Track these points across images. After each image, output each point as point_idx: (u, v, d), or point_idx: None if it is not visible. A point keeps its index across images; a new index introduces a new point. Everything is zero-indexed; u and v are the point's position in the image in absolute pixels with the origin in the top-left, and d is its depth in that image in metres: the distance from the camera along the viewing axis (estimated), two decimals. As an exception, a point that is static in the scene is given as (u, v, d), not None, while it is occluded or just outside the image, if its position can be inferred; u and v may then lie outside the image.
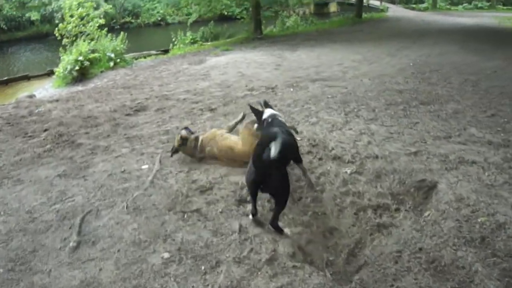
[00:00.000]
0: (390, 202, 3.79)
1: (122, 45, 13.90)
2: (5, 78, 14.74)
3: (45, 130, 6.32)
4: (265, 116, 4.23)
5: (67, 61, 11.73)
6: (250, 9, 20.58)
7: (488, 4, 42.00)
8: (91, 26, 13.97)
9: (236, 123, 5.23)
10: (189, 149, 4.82)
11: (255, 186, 3.29)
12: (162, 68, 12.00)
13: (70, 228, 3.54)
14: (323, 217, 3.65)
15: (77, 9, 13.72)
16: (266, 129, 4.01)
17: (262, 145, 3.07)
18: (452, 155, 4.61)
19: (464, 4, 41.90)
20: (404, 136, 5.26)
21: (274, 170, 3.16)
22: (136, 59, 14.73)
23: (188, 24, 20.12)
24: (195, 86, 8.90)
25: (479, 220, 3.35)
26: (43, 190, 4.30)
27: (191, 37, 18.64)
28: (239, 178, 4.22)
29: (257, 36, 18.56)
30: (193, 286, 2.79)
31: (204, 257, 3.05)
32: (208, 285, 2.80)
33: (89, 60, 11.96)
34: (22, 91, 12.18)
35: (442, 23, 23.04)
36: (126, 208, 3.79)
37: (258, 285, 2.77)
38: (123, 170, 4.66)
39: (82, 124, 6.55)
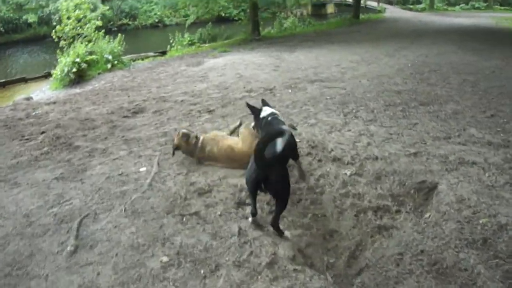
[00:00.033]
0: (390, 204, 3.77)
1: (119, 47, 13.86)
2: (3, 80, 14.67)
3: (42, 133, 6.27)
4: (263, 114, 4.22)
5: (64, 63, 11.68)
6: (248, 10, 20.56)
7: (485, 4, 42.07)
8: (88, 28, 13.93)
9: (234, 129, 5.24)
10: (190, 147, 4.77)
11: (256, 184, 3.24)
12: (160, 70, 11.96)
13: (67, 232, 3.50)
14: (323, 219, 3.63)
15: (74, 11, 13.69)
16: (266, 128, 3.99)
17: (264, 142, 3.04)
18: (452, 156, 4.58)
19: (461, 5, 41.90)
20: (403, 137, 5.24)
21: (275, 168, 3.15)
22: (134, 61, 14.68)
23: (186, 25, 20.08)
24: (193, 88, 8.86)
25: (480, 221, 3.32)
26: (40, 193, 4.25)
27: (188, 38, 18.61)
28: (238, 180, 4.20)
29: (255, 38, 18.53)
30: (192, 291, 2.76)
31: (203, 261, 3.02)
32: (207, 289, 2.77)
33: (86, 62, 11.92)
34: (20, 94, 12.11)
35: (440, 23, 23.05)
36: (124, 211, 3.75)
37: (258, 289, 2.74)
38: (120, 172, 4.62)
39: (80, 126, 6.50)
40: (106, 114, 7.15)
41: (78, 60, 11.58)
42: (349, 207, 3.76)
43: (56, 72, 11.93)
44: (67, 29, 13.63)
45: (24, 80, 14.63)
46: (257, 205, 3.49)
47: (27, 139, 6.08)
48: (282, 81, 8.95)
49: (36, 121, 7.04)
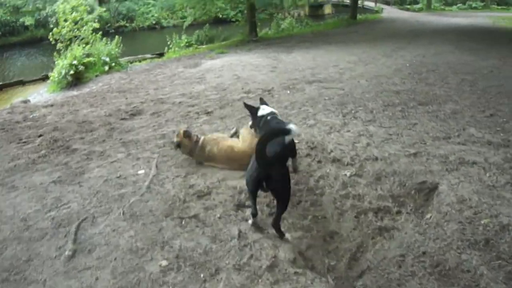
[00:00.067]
0: (391, 205, 3.74)
1: (117, 49, 13.83)
2: (0, 83, 14.63)
3: (40, 136, 6.23)
4: (261, 112, 4.21)
5: (61, 65, 11.64)
6: (245, 11, 20.56)
7: (482, 4, 42.15)
8: (85, 30, 13.89)
9: (231, 136, 5.26)
10: (190, 146, 4.76)
11: (257, 183, 3.21)
12: (157, 71, 11.92)
13: (65, 236, 3.46)
14: (323, 221, 3.60)
15: (71, 13, 13.64)
16: (265, 126, 3.98)
17: (265, 141, 3.01)
18: (452, 156, 4.56)
19: (459, 4, 42.04)
20: (403, 137, 5.21)
21: (276, 166, 3.15)
22: (131, 63, 14.64)
23: (184, 27, 20.04)
24: (190, 90, 8.82)
25: (482, 222, 3.30)
26: (38, 197, 4.21)
27: (186, 40, 18.60)
28: (237, 182, 4.17)
29: (252, 39, 18.52)
30: (192, 295, 2.73)
31: (203, 265, 2.98)
32: (207, 293, 2.74)
33: (83, 64, 11.88)
34: (17, 96, 12.07)
35: (437, 23, 23.09)
36: (123, 214, 3.72)
37: (259, 293, 2.71)
38: (119, 175, 4.58)
39: (77, 129, 6.46)
40: (103, 117, 7.11)
41: (75, 62, 11.54)
42: (349, 208, 3.73)
43: (54, 74, 11.90)
44: (64, 31, 13.59)
45: (22, 83, 14.59)
46: (257, 207, 3.46)
47: (24, 142, 6.03)
48: (280, 82, 8.93)
49: (34, 124, 7.00)
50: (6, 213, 3.90)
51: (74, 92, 10.56)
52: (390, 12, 35.11)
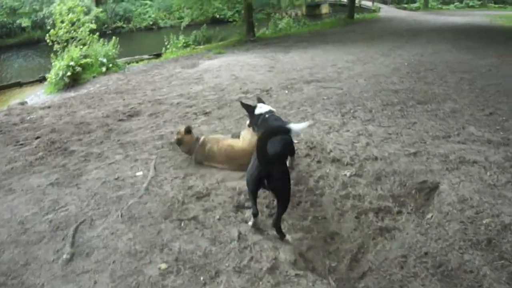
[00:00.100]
0: (391, 205, 3.72)
1: (114, 50, 13.77)
2: (-3, 85, 14.58)
3: (37, 138, 6.18)
4: (259, 111, 4.19)
5: (58, 67, 11.60)
6: (242, 11, 20.52)
7: (479, 2, 42.19)
8: (82, 31, 13.84)
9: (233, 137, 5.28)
10: (190, 143, 4.78)
11: (258, 182, 3.18)
12: (155, 72, 11.88)
13: (63, 239, 3.42)
14: (324, 222, 3.57)
15: (68, 14, 13.59)
16: (264, 124, 3.96)
17: (265, 139, 3.00)
18: (452, 155, 4.54)
19: (456, 3, 42.05)
20: (402, 137, 5.19)
21: (276, 165, 3.14)
22: (129, 63, 14.59)
23: (182, 28, 19.98)
24: (188, 90, 8.79)
25: (484, 221, 3.27)
26: (35, 199, 4.17)
27: (183, 40, 18.54)
28: (236, 183, 4.14)
29: (249, 39, 18.50)
30: (192, 298, 2.70)
31: (203, 267, 2.95)
32: (208, 296, 2.70)
33: (81, 65, 11.83)
34: (14, 98, 12.01)
35: (434, 22, 23.10)
36: (121, 217, 3.68)
37: (260, 295, 2.68)
38: (117, 177, 4.54)
39: (75, 130, 6.42)
40: (101, 118, 7.07)
41: (72, 63, 11.50)
42: (349, 208, 3.71)
43: (51, 76, 11.85)
44: (61, 32, 13.53)
45: (19, 85, 14.49)
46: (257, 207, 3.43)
47: (21, 144, 5.99)
48: (278, 82, 8.90)
49: (31, 125, 6.95)
50: (4, 216, 3.86)
51: (72, 94, 10.52)
52: (387, 11, 35.12)
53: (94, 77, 12.10)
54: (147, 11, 38.95)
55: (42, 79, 13.88)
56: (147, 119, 6.83)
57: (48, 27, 15.38)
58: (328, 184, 4.14)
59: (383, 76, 8.95)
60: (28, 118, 7.57)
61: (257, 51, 14.60)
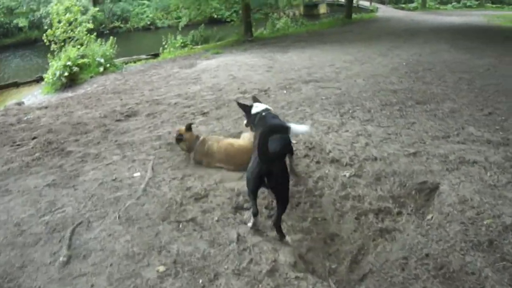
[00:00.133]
0: (391, 206, 3.69)
1: (111, 50, 13.72)
2: (-6, 85, 14.51)
3: (34, 138, 6.14)
4: (255, 110, 4.16)
5: (55, 67, 11.53)
6: (240, 11, 20.49)
7: (477, 2, 42.23)
8: (79, 31, 13.78)
9: None
10: (191, 140, 4.76)
11: (259, 180, 3.16)
12: (153, 72, 11.84)
13: (60, 241, 3.38)
14: (323, 223, 3.54)
15: (65, 14, 13.53)
16: (262, 122, 3.93)
17: (266, 136, 2.99)
18: (452, 155, 4.52)
19: (453, 3, 42.07)
20: (402, 137, 5.17)
21: (277, 162, 3.15)
22: (126, 63, 14.53)
23: (179, 28, 19.93)
24: (186, 90, 8.75)
25: (485, 222, 3.25)
26: (32, 200, 4.12)
27: (181, 40, 18.49)
28: (235, 184, 4.11)
29: (247, 39, 18.46)
30: (191, 301, 2.66)
31: (201, 270, 2.91)
32: (206, 299, 2.67)
33: (78, 65, 11.76)
34: (11, 98, 11.95)
35: (432, 22, 23.09)
36: (118, 218, 3.64)
37: (259, 298, 2.65)
38: (114, 178, 4.50)
39: (72, 131, 6.37)
40: (98, 118, 7.03)
41: (69, 63, 11.43)
42: (349, 209, 3.68)
43: (48, 76, 11.78)
44: (58, 32, 13.47)
45: (16, 85, 14.43)
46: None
47: (18, 145, 5.95)
48: (276, 82, 8.86)
49: (28, 126, 6.91)
50: (0, 218, 3.82)
51: (69, 94, 10.46)
52: (385, 11, 35.13)
53: (91, 77, 12.04)
54: (145, 11, 38.88)
55: (39, 79, 13.81)
56: (144, 119, 6.79)
57: (45, 27, 15.34)
58: (328, 184, 4.11)
59: (382, 76, 8.92)
60: (25, 118, 7.52)
61: (255, 51, 14.57)
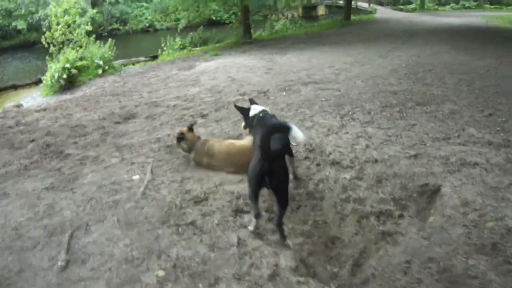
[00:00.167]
0: (393, 208, 3.66)
1: (110, 52, 13.68)
2: (-8, 87, 14.49)
3: (32, 141, 6.11)
4: (253, 112, 4.15)
5: (54, 69, 11.49)
6: (239, 13, 20.48)
7: (475, 3, 42.26)
8: (78, 33, 13.75)
9: None
10: (192, 141, 4.76)
11: (261, 178, 3.14)
12: (151, 74, 11.81)
13: (58, 245, 3.34)
14: (324, 226, 3.51)
15: (63, 16, 13.50)
16: (260, 123, 3.91)
17: (268, 135, 3.00)
18: (453, 157, 4.48)
19: (452, 4, 42.08)
20: (402, 139, 5.13)
21: (278, 160, 3.17)
22: (125, 65, 14.52)
23: (178, 30, 19.91)
24: (185, 92, 8.72)
25: (487, 225, 3.21)
26: (30, 204, 4.09)
27: (180, 42, 18.46)
28: (235, 187, 4.08)
29: (246, 40, 18.43)
30: (190, 306, 2.62)
31: (201, 274, 2.87)
32: (207, 304, 2.63)
33: (76, 67, 11.73)
34: (10, 101, 11.93)
35: (430, 23, 23.07)
36: (117, 222, 3.61)
37: (260, 303, 2.61)
38: (113, 181, 4.47)
39: (70, 133, 6.34)
40: (97, 120, 7.00)
41: (68, 66, 11.39)
42: (350, 212, 3.65)
43: (46, 78, 11.73)
44: (56, 34, 13.42)
45: (15, 87, 14.44)
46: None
47: (16, 147, 5.92)
48: (275, 83, 8.83)
49: (26, 128, 6.87)
50: (-3, 222, 3.79)
51: (67, 96, 10.43)
52: (383, 12, 35.12)
53: (90, 79, 12.01)
54: (143, 13, 38.95)
55: (38, 82, 13.78)
56: (143, 121, 6.76)
57: (44, 29, 15.31)
58: (328, 187, 4.08)
59: (381, 77, 8.89)
60: (24, 121, 7.47)
61: (254, 52, 14.54)
